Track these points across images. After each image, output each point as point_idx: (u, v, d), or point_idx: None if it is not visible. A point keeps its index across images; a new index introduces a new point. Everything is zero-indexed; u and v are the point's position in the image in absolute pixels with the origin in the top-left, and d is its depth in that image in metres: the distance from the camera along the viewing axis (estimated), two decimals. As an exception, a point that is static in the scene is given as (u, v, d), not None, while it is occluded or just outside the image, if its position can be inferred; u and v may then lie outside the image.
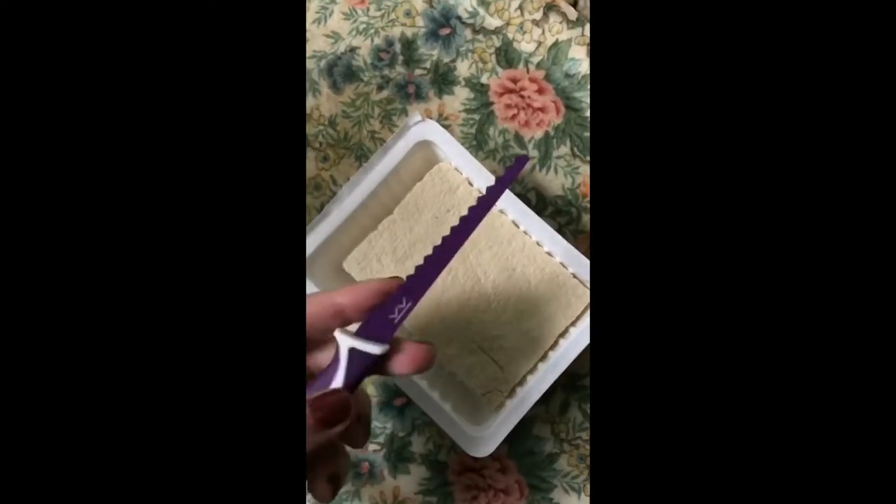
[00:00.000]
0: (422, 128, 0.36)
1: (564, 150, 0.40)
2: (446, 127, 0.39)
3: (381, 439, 0.40)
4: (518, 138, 0.40)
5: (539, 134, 0.40)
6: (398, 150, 0.36)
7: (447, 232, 0.29)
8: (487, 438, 0.34)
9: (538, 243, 0.36)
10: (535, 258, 0.36)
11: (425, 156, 0.37)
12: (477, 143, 0.40)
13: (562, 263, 0.36)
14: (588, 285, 0.36)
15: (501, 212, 0.36)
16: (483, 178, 0.35)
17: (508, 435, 0.35)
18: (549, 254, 0.36)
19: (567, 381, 0.39)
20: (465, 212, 0.37)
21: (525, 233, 0.36)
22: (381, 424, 0.40)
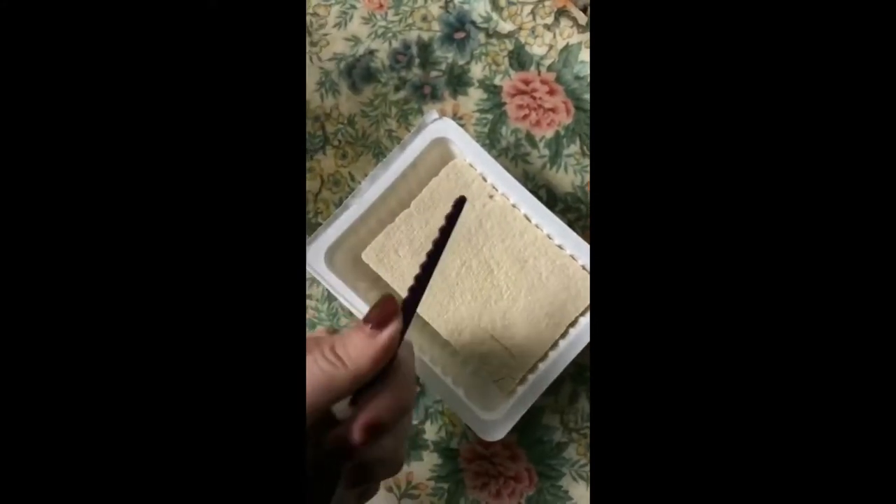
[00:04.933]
0: (438, 125, 0.37)
1: (574, 148, 0.42)
2: (460, 126, 0.41)
3: (395, 427, 0.41)
4: (529, 137, 0.42)
5: (550, 133, 0.42)
6: (415, 146, 0.37)
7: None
8: (499, 423, 0.36)
9: (549, 236, 0.37)
10: (546, 250, 0.37)
11: (441, 152, 0.38)
12: (490, 142, 0.42)
13: (572, 256, 0.37)
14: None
15: (514, 206, 0.37)
16: (496, 174, 0.37)
17: (519, 424, 0.36)
18: (559, 247, 0.37)
19: (575, 372, 0.41)
20: (478, 207, 0.39)
21: (537, 226, 0.37)
22: (396, 412, 0.41)
